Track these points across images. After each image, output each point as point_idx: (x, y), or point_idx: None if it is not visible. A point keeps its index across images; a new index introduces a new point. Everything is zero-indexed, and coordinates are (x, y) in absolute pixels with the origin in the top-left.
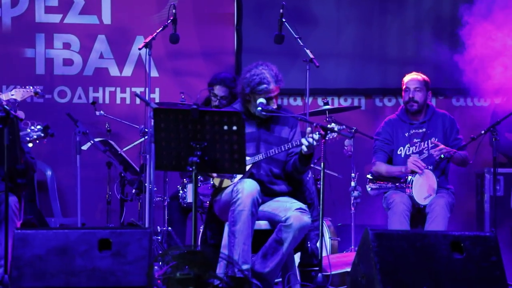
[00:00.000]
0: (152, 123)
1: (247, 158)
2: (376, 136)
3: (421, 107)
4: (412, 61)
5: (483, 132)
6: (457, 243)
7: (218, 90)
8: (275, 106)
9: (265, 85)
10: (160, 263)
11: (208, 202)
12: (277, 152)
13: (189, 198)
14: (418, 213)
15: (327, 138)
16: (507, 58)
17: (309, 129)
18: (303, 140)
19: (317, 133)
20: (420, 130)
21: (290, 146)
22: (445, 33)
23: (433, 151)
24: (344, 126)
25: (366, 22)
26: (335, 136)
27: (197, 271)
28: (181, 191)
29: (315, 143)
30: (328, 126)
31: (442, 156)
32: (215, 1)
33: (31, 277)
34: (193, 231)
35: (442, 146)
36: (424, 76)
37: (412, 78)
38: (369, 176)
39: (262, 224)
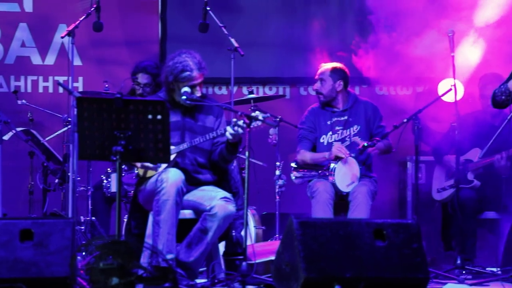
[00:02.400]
0: (75, 112)
1: (172, 147)
2: (300, 125)
3: (328, 97)
4: (336, 49)
5: (405, 120)
6: (380, 230)
7: (141, 78)
8: (199, 94)
9: (188, 72)
10: (83, 253)
11: (132, 191)
12: (201, 141)
13: (113, 188)
14: (341, 200)
15: (252, 126)
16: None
17: (235, 118)
18: (228, 128)
19: (242, 121)
20: (342, 118)
21: (215, 135)
22: (370, 22)
23: (355, 138)
24: (268, 115)
25: (290, 11)
26: (259, 124)
27: (121, 261)
28: (105, 181)
29: (240, 130)
30: (253, 114)
31: (366, 144)
32: None
33: None
34: (117, 221)
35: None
36: (337, 65)
37: (320, 68)
38: (293, 164)
39: (187, 213)
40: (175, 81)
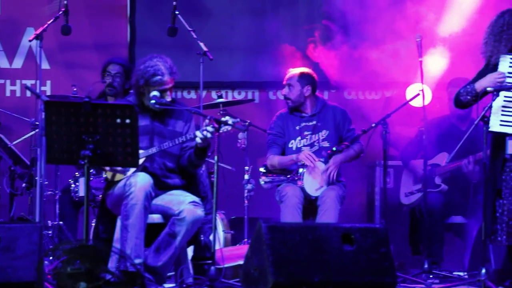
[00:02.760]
0: (43, 116)
1: (140, 151)
2: (269, 130)
3: (296, 102)
4: (305, 54)
5: (373, 125)
6: (348, 235)
7: (112, 67)
8: (169, 99)
9: (159, 77)
10: (51, 258)
11: (100, 196)
12: (170, 145)
13: (81, 192)
14: (310, 205)
15: (221, 131)
16: (395, 52)
17: (206, 121)
18: (197, 133)
19: (211, 126)
20: (311, 123)
21: (184, 139)
22: (338, 26)
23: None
24: (238, 120)
25: (259, 15)
26: (229, 129)
27: (88, 265)
28: (73, 185)
29: (209, 135)
30: (222, 119)
31: (334, 148)
32: None
33: None
34: (84, 225)
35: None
36: (305, 70)
37: (288, 74)
38: (262, 169)
39: (155, 218)
40: (146, 85)
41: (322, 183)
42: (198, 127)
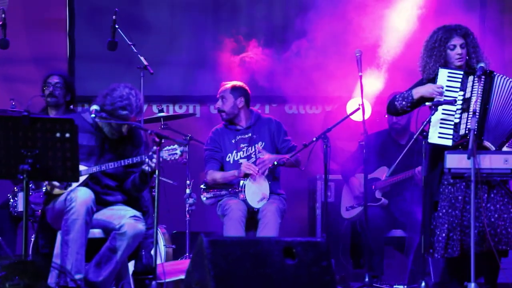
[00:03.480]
0: None
1: (84, 168)
2: (205, 146)
3: (230, 114)
4: (248, 69)
5: (314, 139)
6: (289, 248)
7: (51, 79)
8: (125, 131)
9: (126, 112)
10: None
11: (40, 210)
12: (115, 166)
13: (20, 207)
14: (251, 218)
15: (168, 159)
16: (335, 67)
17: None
18: (144, 165)
19: (153, 159)
20: (246, 135)
21: (130, 162)
22: (277, 42)
23: (258, 147)
24: (186, 149)
25: (200, 29)
26: (177, 158)
27: (27, 281)
28: (11, 200)
29: (152, 165)
30: (172, 147)
31: (275, 163)
32: (46, 7)
33: None
34: (23, 240)
35: (266, 157)
36: (237, 83)
37: (220, 87)
38: (202, 186)
39: (96, 232)
40: (111, 112)
41: (263, 195)
42: (146, 145)
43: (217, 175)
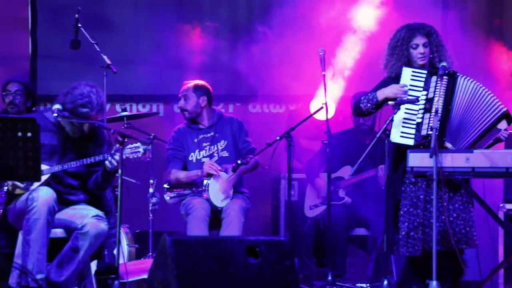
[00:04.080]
0: None
1: (46, 167)
2: (168, 146)
3: (193, 113)
4: (211, 68)
5: (278, 138)
6: (253, 248)
7: (11, 86)
8: (87, 130)
9: (87, 110)
10: None
11: (1, 210)
12: (77, 165)
13: None
14: (215, 217)
15: (131, 157)
16: (298, 66)
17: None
18: (107, 163)
19: (117, 155)
20: (209, 135)
21: (92, 161)
22: (241, 40)
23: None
24: (149, 148)
25: (163, 29)
26: (139, 156)
27: None
28: None
29: (114, 163)
30: (135, 145)
31: (239, 162)
32: (8, 5)
33: None
34: None
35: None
36: (199, 82)
37: (182, 86)
38: (165, 185)
39: (58, 232)
40: (72, 110)
41: (226, 194)
42: (109, 144)
43: (180, 175)
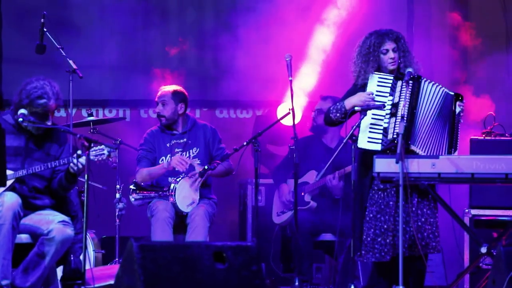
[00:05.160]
0: None
1: (10, 172)
2: (139, 146)
3: (170, 120)
4: (178, 73)
5: (245, 143)
6: (220, 253)
7: None
8: (49, 123)
9: (44, 100)
10: None
11: None
12: (42, 169)
13: None
14: (181, 222)
15: (96, 160)
16: (265, 72)
17: (79, 151)
18: (71, 165)
19: (82, 158)
20: (181, 140)
21: (57, 164)
22: (208, 45)
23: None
24: (115, 151)
25: (130, 34)
26: (104, 158)
27: None
28: None
29: (80, 166)
30: (100, 147)
31: (206, 167)
32: None
33: None
34: None
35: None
36: (177, 88)
37: (160, 91)
38: (132, 186)
39: (23, 238)
40: (29, 105)
41: (193, 199)
42: (75, 149)
43: (144, 172)
